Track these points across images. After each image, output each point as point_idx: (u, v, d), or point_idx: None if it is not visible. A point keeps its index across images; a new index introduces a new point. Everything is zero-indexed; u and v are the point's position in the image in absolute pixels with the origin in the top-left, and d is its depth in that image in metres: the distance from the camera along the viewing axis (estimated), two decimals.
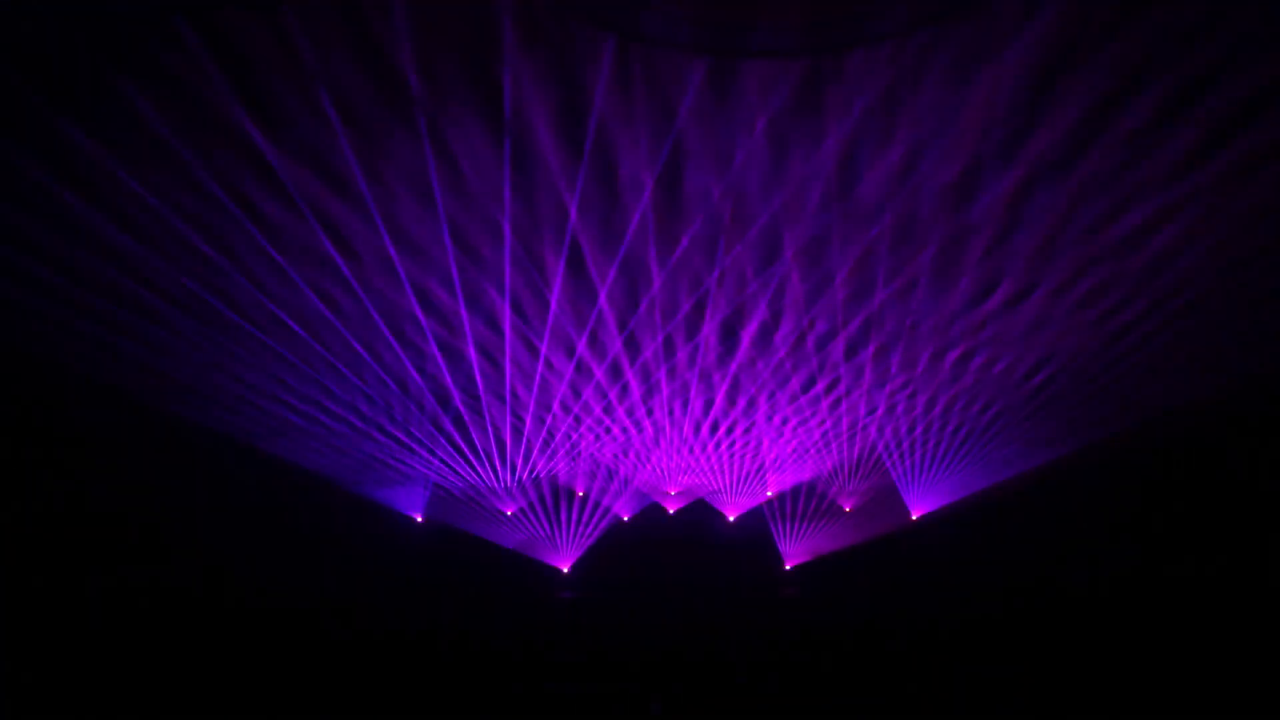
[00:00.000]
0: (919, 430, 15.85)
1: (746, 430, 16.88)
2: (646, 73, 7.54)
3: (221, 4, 6.61)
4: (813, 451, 17.31)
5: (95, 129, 7.62)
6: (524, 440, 16.14)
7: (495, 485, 17.45)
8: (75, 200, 8.38)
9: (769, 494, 18.73)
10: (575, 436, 16.60)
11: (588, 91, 7.73)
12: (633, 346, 13.41)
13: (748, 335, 12.86)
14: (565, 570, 18.26)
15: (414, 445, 16.19)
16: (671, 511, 19.27)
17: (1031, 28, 7.14)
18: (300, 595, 15.03)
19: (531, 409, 15.09)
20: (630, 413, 15.79)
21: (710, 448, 17.45)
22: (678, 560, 18.40)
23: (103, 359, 11.88)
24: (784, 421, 16.26)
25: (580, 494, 18.96)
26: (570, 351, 13.29)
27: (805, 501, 18.55)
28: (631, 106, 7.89)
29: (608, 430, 16.55)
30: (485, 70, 7.43)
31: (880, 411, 15.31)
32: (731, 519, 19.01)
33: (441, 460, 16.59)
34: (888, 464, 16.88)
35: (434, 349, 12.78)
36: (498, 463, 16.75)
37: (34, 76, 7.01)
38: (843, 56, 7.34)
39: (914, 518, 17.40)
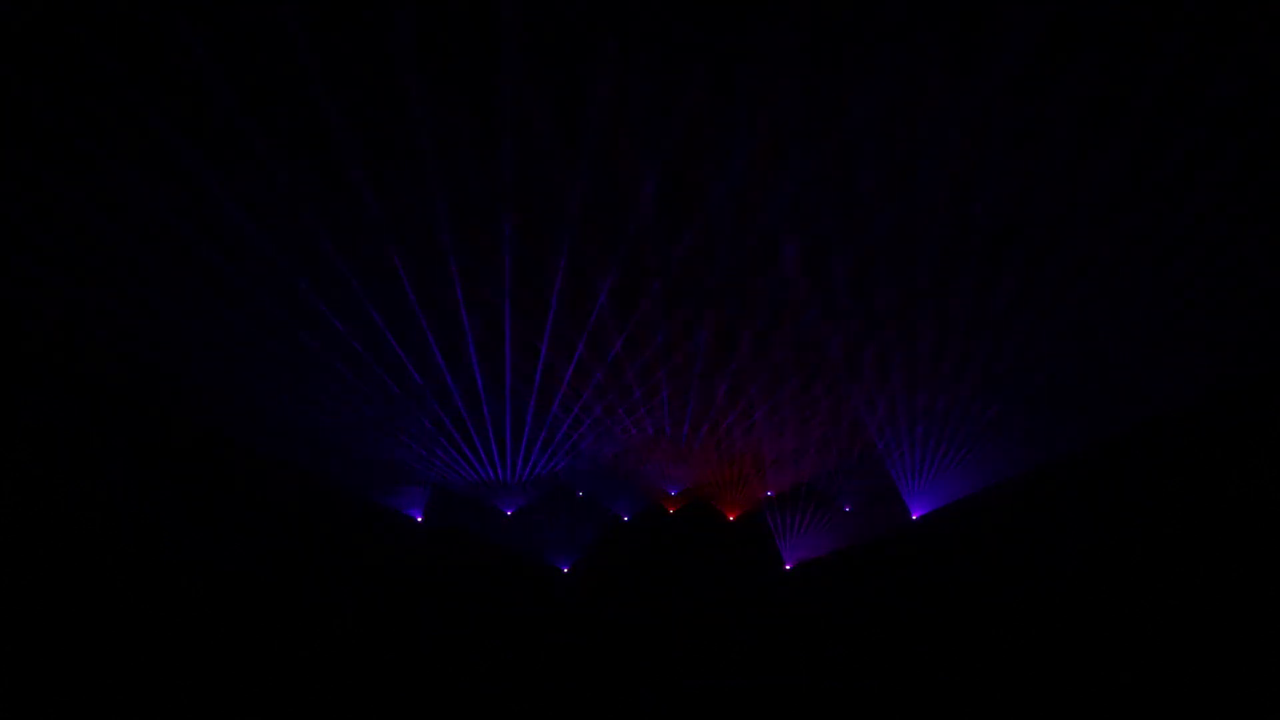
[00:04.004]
0: (919, 430, 15.86)
1: (746, 430, 16.87)
2: (647, 71, 7.54)
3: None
4: (812, 451, 17.30)
5: (99, 129, 7.62)
6: (524, 440, 16.14)
7: (495, 485, 17.45)
8: (82, 201, 8.39)
9: (769, 494, 18.73)
10: (575, 436, 16.60)
11: (588, 89, 7.73)
12: (633, 346, 13.41)
13: (748, 335, 12.86)
14: (565, 570, 18.26)
15: (414, 445, 16.19)
16: (671, 511, 19.28)
17: (1028, 30, 7.14)
18: (297, 596, 15.03)
19: (531, 409, 15.09)
20: (630, 412, 15.79)
21: (710, 448, 17.45)
22: (678, 560, 18.41)
23: (108, 359, 11.89)
24: (783, 421, 16.25)
25: (580, 494, 18.96)
26: (570, 351, 13.29)
27: (805, 501, 18.55)
28: (632, 104, 7.89)
29: (608, 430, 16.55)
30: (485, 68, 7.44)
31: (880, 411, 15.32)
32: (731, 519, 19.02)
33: (441, 460, 16.59)
34: (887, 464, 16.87)
35: (434, 348, 12.78)
36: (498, 463, 16.75)
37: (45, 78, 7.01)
38: (842, 56, 7.34)
39: (914, 518, 17.40)
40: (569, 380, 14.21)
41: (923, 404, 15.01)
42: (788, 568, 18.27)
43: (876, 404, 15.07)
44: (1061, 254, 10.34)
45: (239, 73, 7.24)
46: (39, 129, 7.48)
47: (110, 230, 8.88)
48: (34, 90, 7.04)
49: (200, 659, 11.96)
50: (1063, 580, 14.75)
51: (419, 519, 17.93)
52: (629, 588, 17.44)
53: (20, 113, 7.25)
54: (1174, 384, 13.79)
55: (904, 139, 8.39)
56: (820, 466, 17.94)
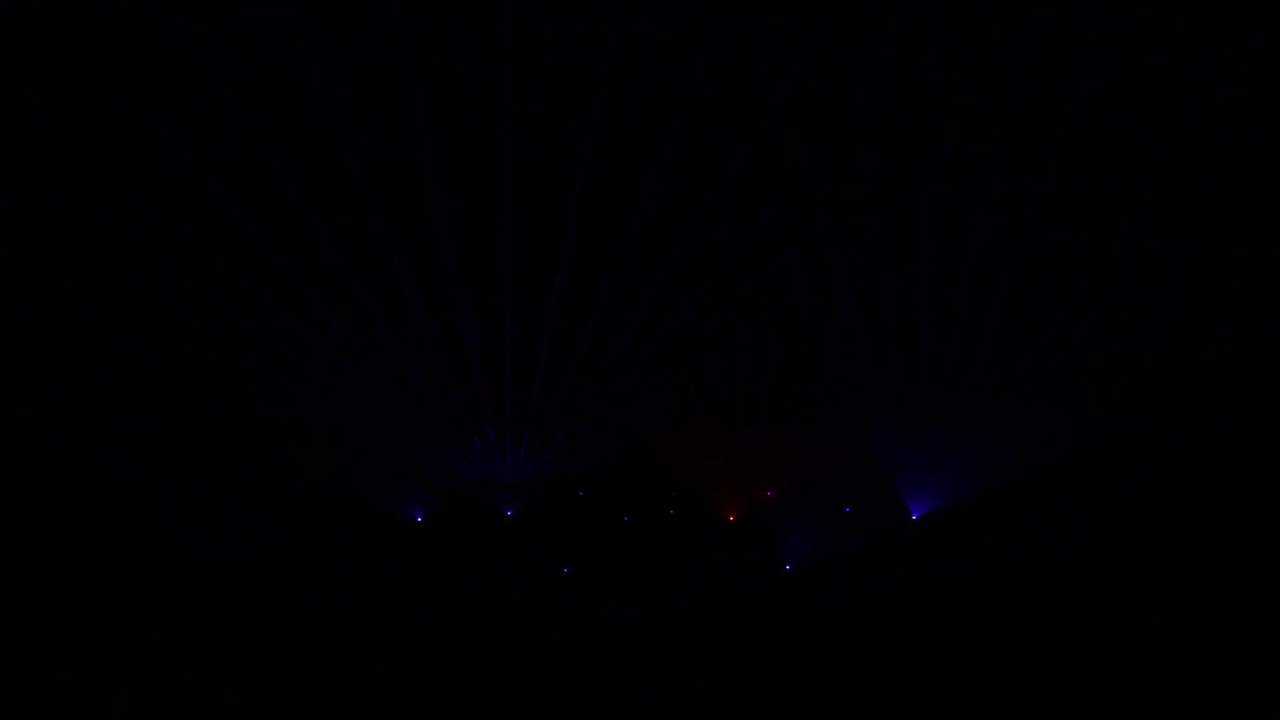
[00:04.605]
0: (919, 427, 15.86)
1: (746, 429, 16.88)
2: (647, 71, 7.55)
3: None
4: (812, 451, 17.31)
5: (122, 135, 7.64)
6: (524, 440, 16.15)
7: (495, 485, 17.46)
8: (83, 200, 8.40)
9: (769, 494, 18.73)
10: (576, 436, 16.62)
11: (588, 91, 7.74)
12: (633, 345, 13.41)
13: (749, 333, 12.87)
14: (564, 570, 18.28)
15: (414, 445, 16.20)
16: (671, 512, 19.29)
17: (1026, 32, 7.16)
18: (297, 596, 15.03)
19: (532, 408, 15.09)
20: (630, 411, 15.79)
21: (709, 447, 17.46)
22: (678, 560, 18.41)
23: (108, 359, 11.89)
24: (783, 420, 16.26)
25: (580, 494, 18.98)
26: (571, 349, 13.30)
27: (805, 501, 18.55)
28: (631, 104, 7.90)
29: (608, 429, 16.57)
30: (487, 70, 7.45)
31: (880, 410, 15.32)
32: (731, 519, 19.03)
33: (441, 460, 16.60)
34: (888, 464, 16.87)
35: (434, 347, 12.78)
36: (498, 462, 16.76)
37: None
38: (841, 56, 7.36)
39: (914, 518, 17.40)
40: (569, 379, 14.21)
41: (922, 404, 15.02)
42: (788, 568, 18.27)
43: (876, 404, 15.08)
44: (1063, 253, 10.35)
45: (242, 73, 7.25)
46: (39, 129, 7.49)
47: (111, 230, 8.89)
48: (36, 90, 7.05)
49: (200, 659, 11.96)
50: (1063, 580, 14.74)
51: (419, 519, 17.93)
52: (629, 588, 17.44)
53: (20, 113, 7.25)
54: (1173, 384, 13.79)
55: (906, 138, 8.40)
56: (820, 466, 17.94)
